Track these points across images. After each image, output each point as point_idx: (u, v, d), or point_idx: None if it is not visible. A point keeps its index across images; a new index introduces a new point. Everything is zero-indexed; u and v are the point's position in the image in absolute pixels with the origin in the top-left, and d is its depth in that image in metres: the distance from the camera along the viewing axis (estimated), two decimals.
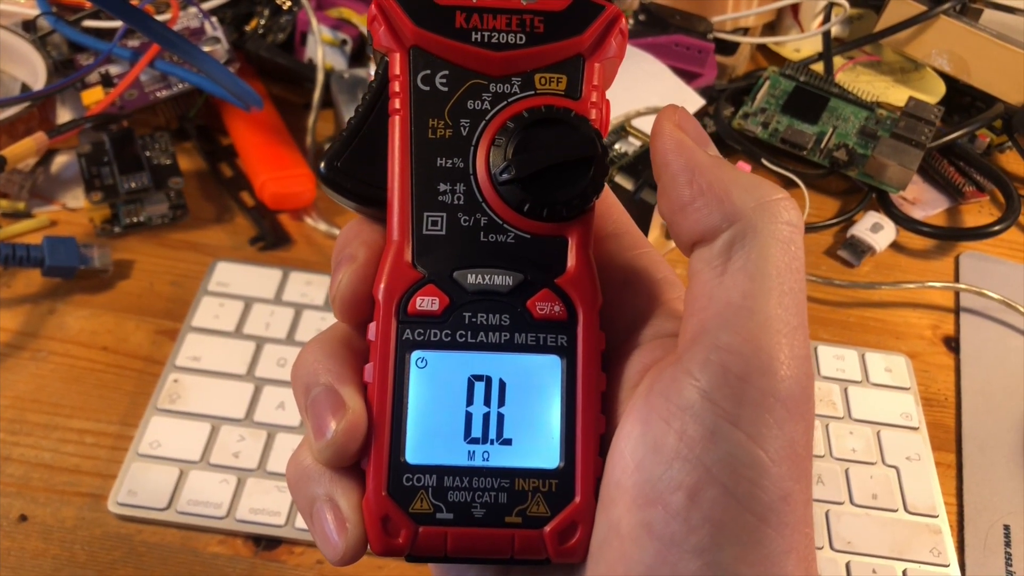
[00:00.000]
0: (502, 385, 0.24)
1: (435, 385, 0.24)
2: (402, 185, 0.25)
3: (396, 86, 0.25)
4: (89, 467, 0.49)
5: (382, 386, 0.24)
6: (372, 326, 0.25)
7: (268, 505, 0.47)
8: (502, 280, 0.25)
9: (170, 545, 0.46)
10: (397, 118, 0.25)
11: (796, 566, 0.21)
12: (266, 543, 0.47)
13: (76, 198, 0.63)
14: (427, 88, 0.25)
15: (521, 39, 0.25)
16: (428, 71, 0.25)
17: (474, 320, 0.25)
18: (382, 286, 0.24)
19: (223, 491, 0.47)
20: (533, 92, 0.25)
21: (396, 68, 0.25)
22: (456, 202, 0.25)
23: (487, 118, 0.25)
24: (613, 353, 0.26)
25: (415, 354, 0.24)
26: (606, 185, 0.26)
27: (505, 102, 0.25)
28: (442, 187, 0.25)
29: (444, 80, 0.25)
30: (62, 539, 0.46)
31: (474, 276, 0.25)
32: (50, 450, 0.49)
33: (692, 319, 0.23)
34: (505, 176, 0.24)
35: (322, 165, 0.26)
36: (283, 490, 0.48)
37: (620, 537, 0.22)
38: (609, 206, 0.28)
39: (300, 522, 0.46)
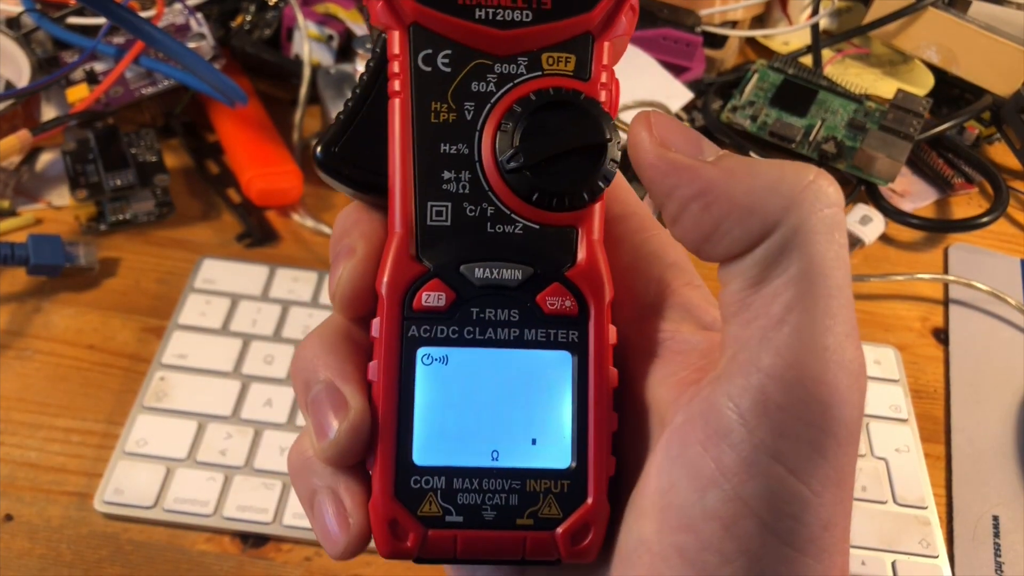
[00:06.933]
0: (511, 383, 0.24)
1: (442, 383, 0.23)
2: (404, 173, 0.23)
3: (395, 66, 0.24)
4: (75, 466, 0.48)
5: (387, 385, 0.23)
6: (375, 322, 0.24)
7: (255, 502, 0.47)
8: (511, 274, 0.24)
9: (157, 543, 0.46)
10: (397, 101, 0.24)
11: None
12: (254, 540, 0.46)
13: (61, 196, 0.62)
14: (428, 69, 0.24)
15: (527, 16, 0.24)
16: (429, 50, 0.24)
17: (482, 316, 0.23)
18: (385, 280, 0.23)
19: (210, 489, 0.47)
20: (540, 73, 0.24)
21: (395, 47, 0.24)
22: (461, 191, 0.24)
23: (492, 101, 0.24)
24: (628, 343, 0.25)
25: (421, 351, 0.23)
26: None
27: (511, 84, 0.24)
28: (446, 175, 0.24)
29: (447, 60, 0.24)
30: (48, 538, 0.46)
31: (482, 270, 0.24)
32: (36, 449, 0.49)
33: (731, 331, 0.21)
34: (512, 164, 0.23)
35: (318, 150, 0.24)
36: (270, 487, 0.47)
37: (651, 553, 0.21)
38: (616, 187, 0.26)
39: (288, 519, 0.46)
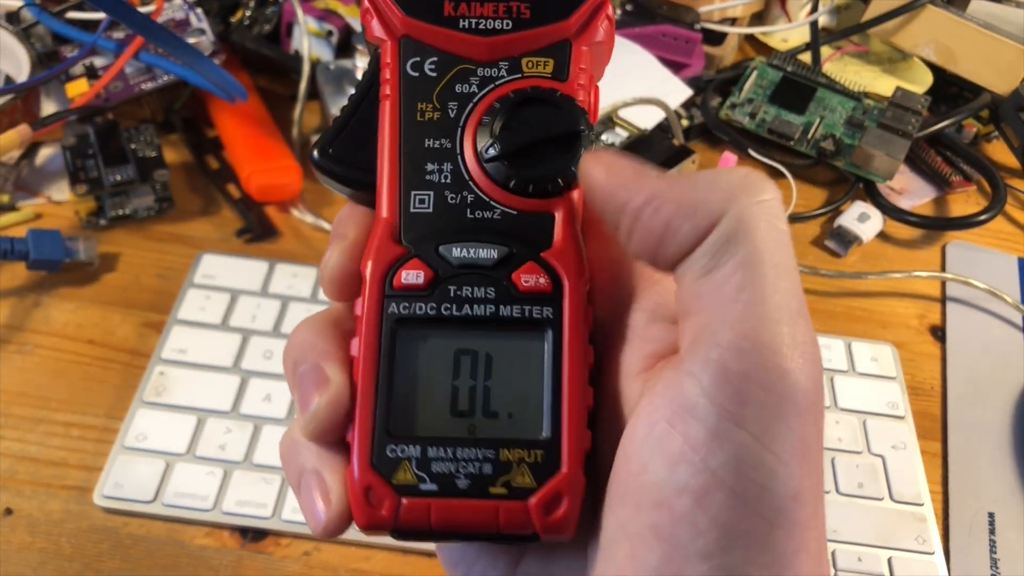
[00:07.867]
0: (488, 357, 0.24)
1: (420, 357, 0.24)
2: (391, 165, 0.25)
3: (387, 73, 0.26)
4: (75, 460, 0.49)
5: (367, 359, 0.24)
6: (358, 301, 0.25)
7: (255, 497, 0.47)
8: (487, 253, 0.25)
9: (156, 537, 0.46)
10: (387, 103, 0.26)
11: (806, 564, 0.21)
12: (253, 535, 0.47)
13: (61, 191, 0.62)
14: (416, 74, 0.26)
15: (508, 24, 0.26)
16: (417, 58, 0.26)
17: (459, 293, 0.24)
18: (369, 261, 0.25)
19: (209, 483, 0.47)
20: (520, 75, 0.25)
21: (387, 56, 0.26)
22: (443, 181, 0.25)
23: (474, 100, 0.25)
24: (607, 333, 0.25)
25: (400, 327, 0.24)
26: None
27: (492, 85, 0.25)
28: (430, 167, 0.25)
29: (433, 66, 0.26)
30: (48, 532, 0.46)
31: (459, 250, 0.25)
32: (36, 443, 0.49)
33: (689, 320, 0.22)
34: (491, 153, 0.25)
35: (315, 152, 0.26)
36: (270, 482, 0.48)
37: (628, 537, 0.22)
38: None
39: (287, 514, 0.46)
